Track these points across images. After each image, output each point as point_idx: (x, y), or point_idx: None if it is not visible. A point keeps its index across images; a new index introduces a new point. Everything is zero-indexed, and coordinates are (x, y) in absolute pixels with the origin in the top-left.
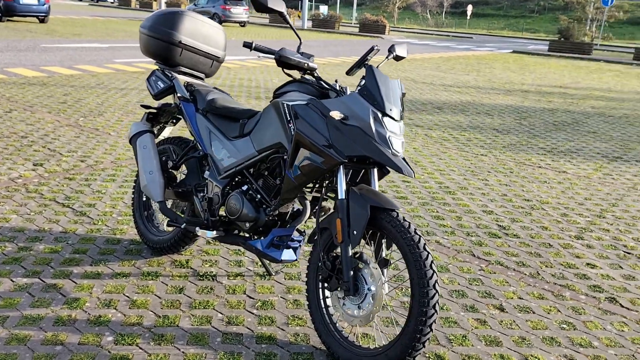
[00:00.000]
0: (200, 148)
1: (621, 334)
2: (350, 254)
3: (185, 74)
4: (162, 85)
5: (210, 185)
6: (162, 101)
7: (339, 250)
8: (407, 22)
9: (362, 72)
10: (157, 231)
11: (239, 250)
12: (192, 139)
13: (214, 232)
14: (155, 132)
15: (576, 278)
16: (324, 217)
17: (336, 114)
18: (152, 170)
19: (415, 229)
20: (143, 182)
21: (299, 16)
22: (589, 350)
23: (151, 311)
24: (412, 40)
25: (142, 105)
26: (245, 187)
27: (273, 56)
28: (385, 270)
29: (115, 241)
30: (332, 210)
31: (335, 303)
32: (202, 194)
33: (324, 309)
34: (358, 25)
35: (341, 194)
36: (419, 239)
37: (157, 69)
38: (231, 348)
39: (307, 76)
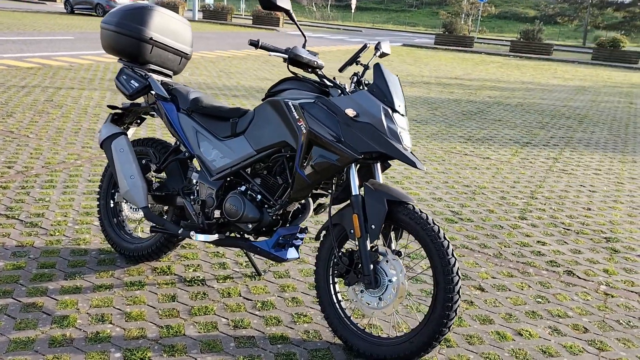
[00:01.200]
0: (185, 149)
1: (587, 303)
2: (369, 248)
3: (154, 71)
4: (136, 85)
5: (202, 188)
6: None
7: (349, 244)
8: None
9: (352, 68)
10: (132, 238)
11: (218, 252)
12: (164, 139)
13: (215, 235)
14: None
15: (533, 255)
16: (322, 213)
17: (350, 112)
18: (133, 174)
19: (433, 220)
20: (124, 187)
21: (185, 7)
22: (567, 320)
23: (150, 322)
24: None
25: (109, 106)
26: (243, 188)
27: (281, 54)
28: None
29: (82, 252)
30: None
31: (352, 297)
32: (192, 197)
33: (336, 304)
34: (251, 18)
35: (355, 190)
36: (439, 229)
37: (126, 67)
38: (249, 352)
39: (297, 71)
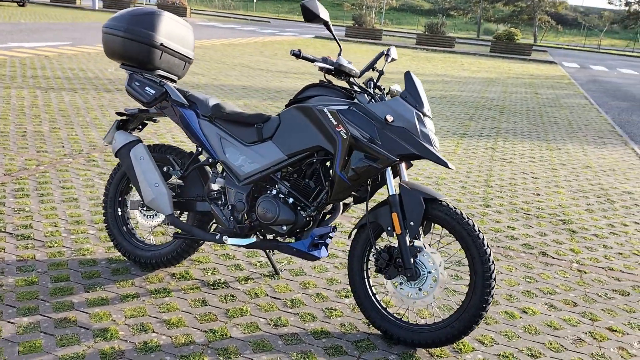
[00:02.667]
0: (207, 155)
1: (567, 280)
2: (409, 243)
3: (162, 77)
4: (152, 92)
5: (230, 192)
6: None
7: (383, 241)
8: (194, 2)
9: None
10: (146, 245)
11: (228, 253)
12: (174, 145)
13: (252, 238)
14: None
15: (508, 240)
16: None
17: (390, 117)
18: (157, 182)
19: (466, 215)
20: (149, 196)
21: None
22: (557, 296)
23: (193, 328)
24: (216, 24)
25: (117, 113)
26: (274, 191)
27: (326, 65)
28: None
29: (90, 262)
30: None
31: (391, 289)
32: (220, 202)
33: (372, 297)
34: (156, 6)
35: (392, 190)
36: (473, 223)
37: (135, 73)
38: (298, 348)
39: (326, 76)
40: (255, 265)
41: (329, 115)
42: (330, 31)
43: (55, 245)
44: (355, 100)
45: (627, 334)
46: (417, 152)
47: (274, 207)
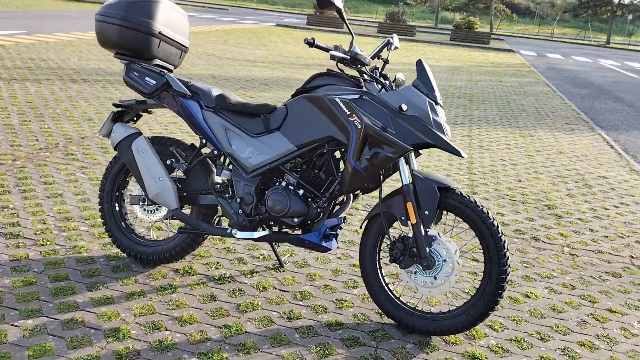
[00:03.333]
0: (213, 147)
1: (561, 264)
2: (424, 232)
3: (159, 67)
4: (153, 82)
5: (237, 185)
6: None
7: (393, 230)
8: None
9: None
10: (147, 241)
11: (229, 247)
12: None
13: (264, 231)
14: None
15: (500, 226)
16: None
17: (404, 107)
18: (162, 176)
19: (480, 202)
20: (154, 190)
21: None
22: (555, 280)
23: (206, 324)
24: None
25: (114, 104)
26: (284, 183)
27: (341, 54)
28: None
29: (88, 260)
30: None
31: (405, 279)
32: (227, 195)
33: (385, 287)
34: None
35: (405, 180)
36: (487, 211)
37: (132, 63)
38: (317, 340)
39: (336, 66)
40: (258, 258)
41: (342, 105)
42: (343, 19)
43: (48, 243)
44: (365, 89)
45: (626, 314)
46: (430, 141)
47: (285, 199)
